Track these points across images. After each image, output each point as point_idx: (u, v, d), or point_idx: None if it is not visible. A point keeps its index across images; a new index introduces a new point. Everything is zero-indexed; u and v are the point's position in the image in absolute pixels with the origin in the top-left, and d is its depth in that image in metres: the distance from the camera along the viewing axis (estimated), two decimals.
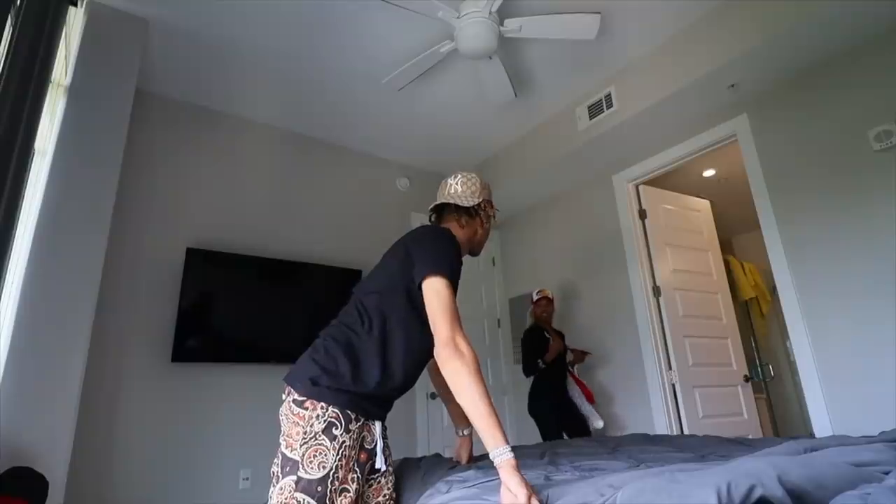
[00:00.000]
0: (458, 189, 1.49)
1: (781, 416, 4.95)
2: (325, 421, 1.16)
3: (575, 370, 3.42)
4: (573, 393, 3.26)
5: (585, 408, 3.20)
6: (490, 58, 2.70)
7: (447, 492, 1.11)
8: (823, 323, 2.51)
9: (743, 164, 2.94)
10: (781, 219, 2.71)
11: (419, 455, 2.24)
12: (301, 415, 1.17)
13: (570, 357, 3.39)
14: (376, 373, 1.24)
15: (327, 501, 1.12)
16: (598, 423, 3.13)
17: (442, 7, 2.41)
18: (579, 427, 3.13)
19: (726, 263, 4.22)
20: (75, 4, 2.33)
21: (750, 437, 2.58)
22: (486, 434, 1.04)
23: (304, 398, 1.19)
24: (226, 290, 3.05)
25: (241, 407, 2.96)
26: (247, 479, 2.88)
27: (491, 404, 1.07)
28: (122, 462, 2.59)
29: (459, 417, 1.58)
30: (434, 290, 1.21)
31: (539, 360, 3.21)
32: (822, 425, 2.45)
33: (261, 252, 3.25)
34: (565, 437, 3.08)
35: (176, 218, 3.05)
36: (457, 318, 1.18)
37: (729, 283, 3.93)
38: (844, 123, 2.51)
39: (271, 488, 1.16)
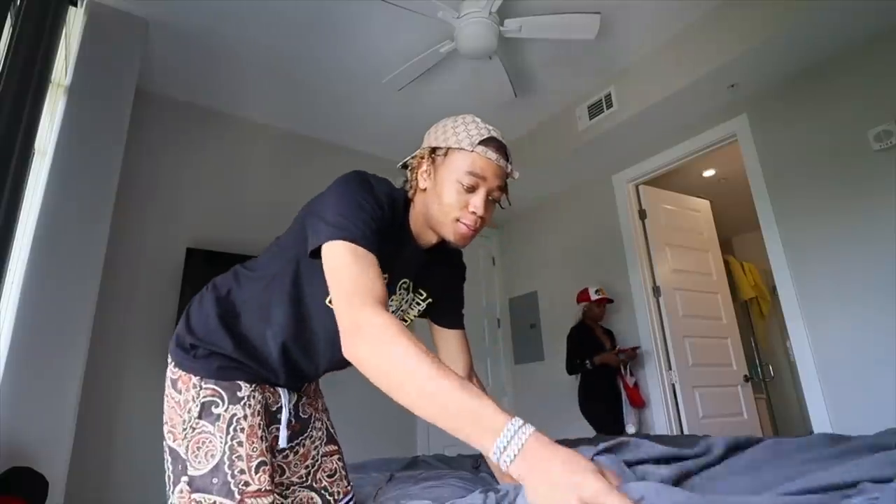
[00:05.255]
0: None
1: (781, 416, 4.95)
2: (199, 402, 0.96)
3: (626, 371, 3.23)
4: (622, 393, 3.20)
5: (625, 409, 3.15)
6: (490, 58, 2.70)
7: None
8: (823, 323, 2.51)
9: (743, 164, 2.94)
10: (781, 219, 2.71)
11: (418, 454, 2.21)
12: (177, 399, 0.99)
13: (621, 357, 3.22)
14: (257, 329, 1.01)
15: (235, 486, 0.91)
16: (629, 429, 3.06)
17: (442, 7, 2.41)
18: (622, 429, 3.10)
19: (726, 263, 4.22)
20: (75, 4, 2.33)
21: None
22: (468, 421, 0.61)
23: (177, 374, 1.00)
24: None
25: None
26: None
27: (451, 376, 0.64)
28: (122, 462, 2.59)
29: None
30: (331, 262, 0.83)
31: (588, 361, 3.14)
32: (821, 425, 2.45)
33: (260, 252, 3.25)
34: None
35: (176, 218, 3.05)
36: (365, 287, 0.78)
37: (729, 283, 3.93)
38: (844, 123, 2.51)
39: (168, 485, 0.97)
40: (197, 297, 1.07)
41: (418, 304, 1.12)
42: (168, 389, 1.01)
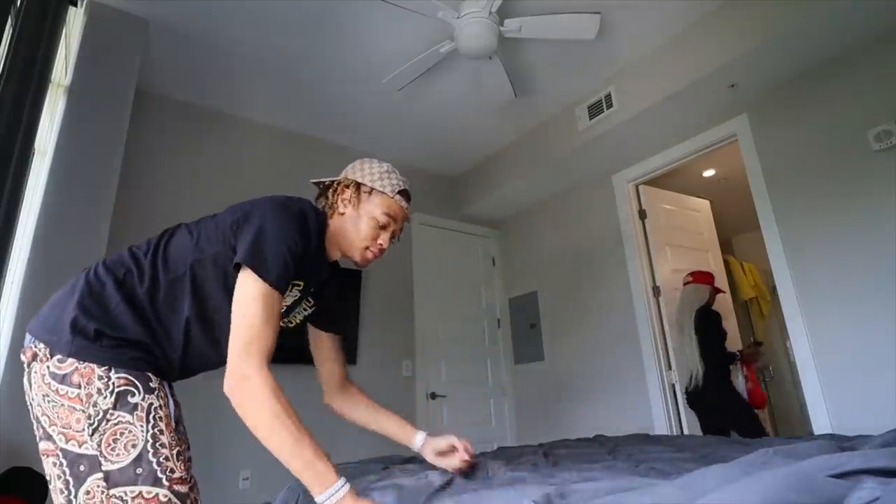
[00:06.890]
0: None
1: (781, 416, 4.95)
2: (112, 392, 0.90)
3: (743, 369, 3.08)
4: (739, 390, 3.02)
5: None
6: (490, 58, 2.70)
7: None
8: (823, 322, 2.51)
9: (743, 164, 2.94)
10: (781, 219, 2.71)
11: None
12: (73, 395, 0.90)
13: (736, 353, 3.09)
14: (166, 320, 1.00)
15: (163, 473, 0.89)
16: None
17: (442, 7, 2.41)
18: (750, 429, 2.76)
19: (726, 263, 4.22)
20: (75, 4, 2.33)
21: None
22: (306, 477, 0.87)
23: (69, 367, 0.91)
24: None
25: None
26: (247, 479, 2.87)
27: (301, 436, 0.88)
28: None
29: (398, 430, 1.28)
30: (243, 293, 0.95)
31: (737, 353, 2.97)
32: (821, 425, 2.45)
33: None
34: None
35: (176, 218, 3.02)
36: (261, 340, 0.92)
37: (729, 283, 3.93)
38: (844, 123, 2.51)
39: (65, 491, 0.88)
40: (83, 282, 0.99)
41: (305, 310, 1.25)
42: (49, 385, 0.91)
